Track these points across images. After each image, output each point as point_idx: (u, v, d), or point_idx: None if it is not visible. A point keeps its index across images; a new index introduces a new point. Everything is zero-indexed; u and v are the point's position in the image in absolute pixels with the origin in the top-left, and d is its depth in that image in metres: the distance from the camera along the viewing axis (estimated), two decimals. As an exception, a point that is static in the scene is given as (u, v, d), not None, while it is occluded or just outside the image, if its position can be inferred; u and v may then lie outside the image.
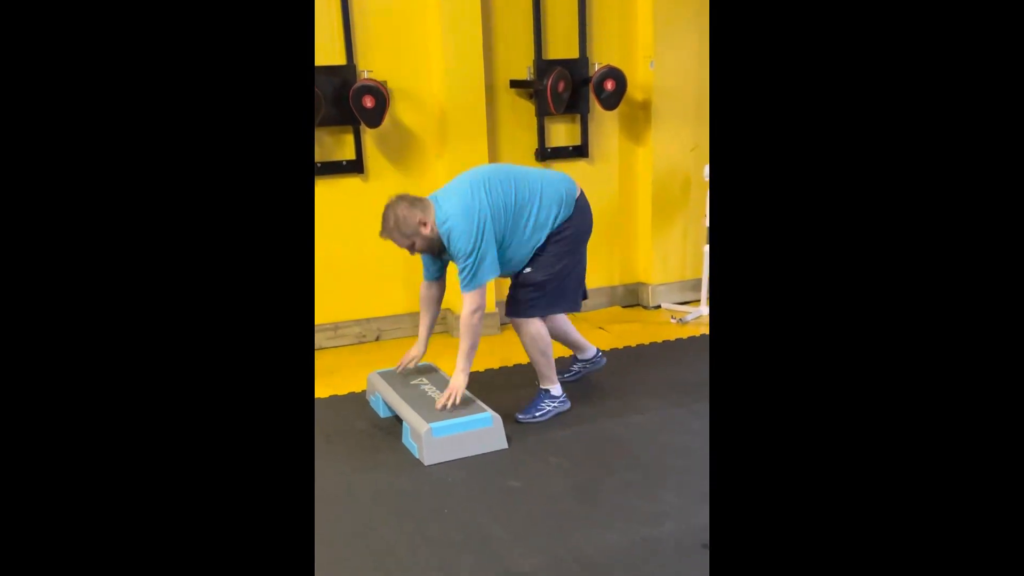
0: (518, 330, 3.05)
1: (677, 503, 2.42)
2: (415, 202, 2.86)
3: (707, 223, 4.25)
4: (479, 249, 2.80)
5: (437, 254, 2.98)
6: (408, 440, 2.87)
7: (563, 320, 3.31)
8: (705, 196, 4.35)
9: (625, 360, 3.70)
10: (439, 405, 2.86)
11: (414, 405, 2.92)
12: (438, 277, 3.12)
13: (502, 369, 3.66)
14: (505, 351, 3.87)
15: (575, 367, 3.46)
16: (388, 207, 2.85)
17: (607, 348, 3.84)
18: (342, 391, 3.47)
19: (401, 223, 2.82)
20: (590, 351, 3.44)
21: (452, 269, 3.04)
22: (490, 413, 2.85)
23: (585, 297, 3.24)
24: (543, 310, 3.04)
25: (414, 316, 4.20)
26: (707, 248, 4.28)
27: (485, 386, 3.32)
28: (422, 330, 3.19)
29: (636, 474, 2.62)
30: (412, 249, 2.90)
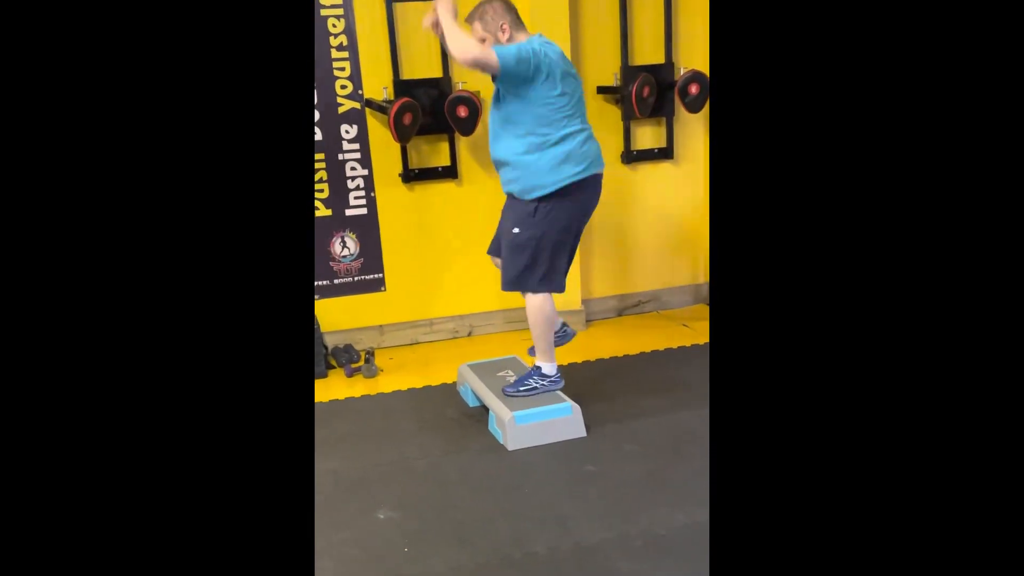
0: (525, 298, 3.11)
1: (743, 489, 2.55)
2: (512, 11, 2.99)
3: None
4: (535, 54, 2.83)
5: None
6: (493, 427, 3.09)
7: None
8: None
9: (705, 355, 3.82)
10: (425, 22, 2.99)
11: (499, 394, 3.14)
12: None
13: (584, 363, 3.83)
14: (589, 345, 4.05)
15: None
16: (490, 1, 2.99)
17: (688, 344, 3.98)
18: (435, 382, 3.72)
19: (487, 15, 2.98)
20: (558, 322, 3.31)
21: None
22: (570, 403, 3.04)
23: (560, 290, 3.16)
24: (531, 280, 3.04)
25: (505, 312, 4.44)
26: (792, 247, 4.34)
27: (569, 380, 3.50)
28: None
29: (706, 462, 2.76)
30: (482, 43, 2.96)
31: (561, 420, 3.02)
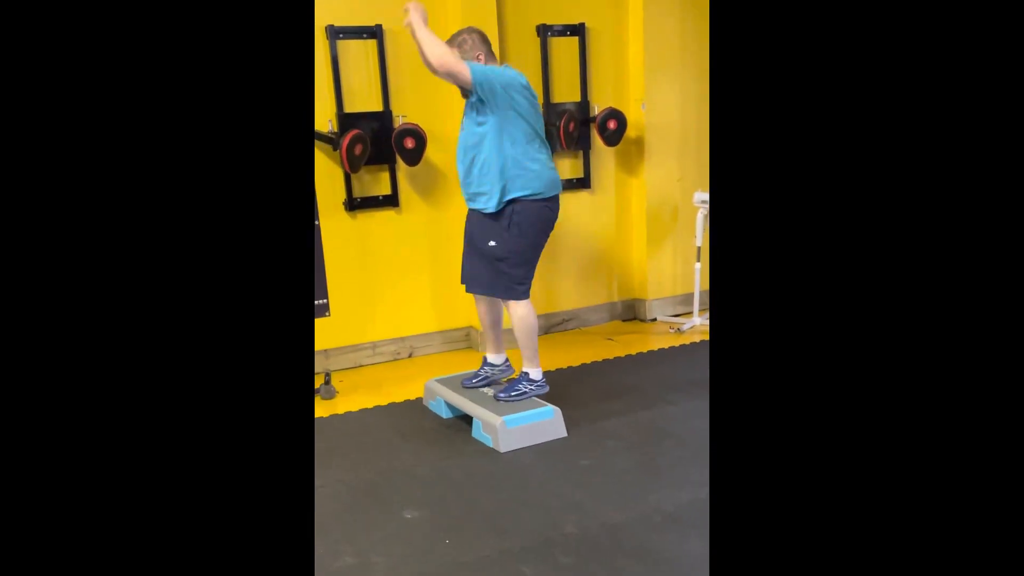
0: (508, 309, 3.43)
1: (726, 469, 2.92)
2: (488, 44, 3.35)
3: (697, 243, 4.82)
4: (497, 74, 3.18)
5: (466, 93, 3.27)
6: (480, 433, 3.31)
7: (500, 314, 3.61)
8: (693, 220, 4.93)
9: (639, 364, 4.21)
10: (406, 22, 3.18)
11: (481, 403, 3.37)
12: None
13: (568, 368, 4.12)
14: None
15: (483, 371, 3.66)
16: (468, 30, 3.35)
17: (622, 355, 4.36)
18: (397, 399, 3.89)
19: (466, 44, 3.30)
20: (501, 356, 3.67)
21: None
22: (551, 407, 3.32)
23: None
24: (524, 288, 3.35)
25: (443, 333, 4.66)
26: (697, 266, 4.84)
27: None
28: None
29: (685, 451, 3.12)
30: None
31: (545, 422, 3.29)
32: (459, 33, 3.36)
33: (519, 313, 3.39)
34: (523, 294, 3.39)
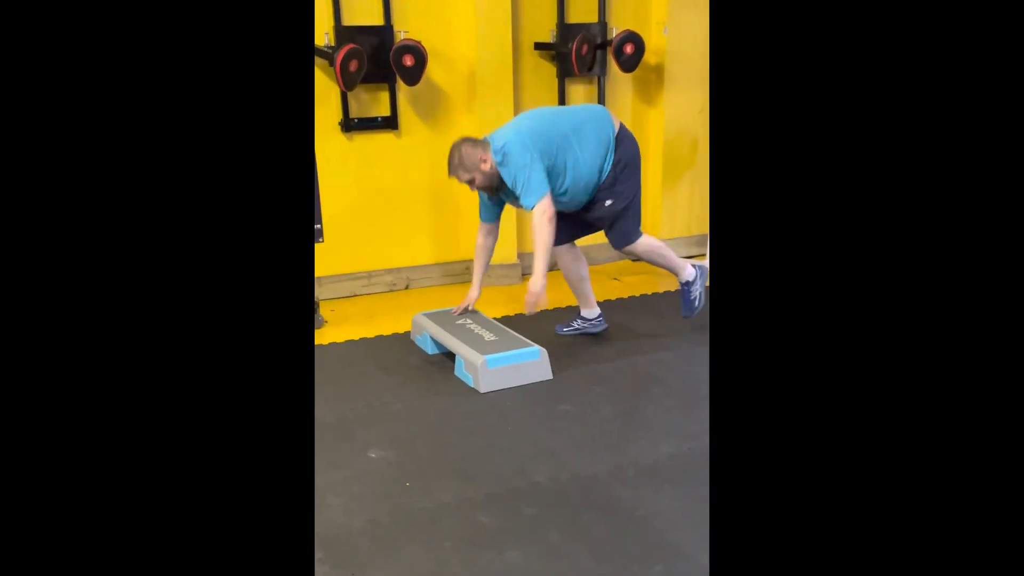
0: (634, 252, 3.44)
1: (715, 422, 2.74)
2: (476, 142, 3.19)
3: (714, 181, 4.55)
4: (532, 162, 3.09)
5: (494, 191, 3.25)
6: (462, 372, 3.15)
7: (584, 269, 3.57)
8: (712, 156, 4.65)
9: (643, 306, 4.01)
10: (528, 311, 3.18)
11: (466, 341, 3.20)
12: (495, 220, 3.41)
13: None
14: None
15: (575, 323, 3.64)
16: (453, 148, 3.19)
17: (625, 296, 4.16)
18: (385, 332, 3.73)
19: (465, 159, 3.15)
20: (594, 311, 3.62)
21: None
22: (538, 348, 3.15)
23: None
24: (637, 229, 3.38)
25: (441, 266, 4.48)
26: (714, 205, 4.58)
27: (520, 329, 3.59)
28: (476, 275, 3.49)
29: (674, 400, 2.94)
30: (472, 184, 3.22)
31: (530, 363, 3.12)
32: (452, 157, 3.20)
33: (645, 244, 3.40)
34: (640, 232, 3.39)
